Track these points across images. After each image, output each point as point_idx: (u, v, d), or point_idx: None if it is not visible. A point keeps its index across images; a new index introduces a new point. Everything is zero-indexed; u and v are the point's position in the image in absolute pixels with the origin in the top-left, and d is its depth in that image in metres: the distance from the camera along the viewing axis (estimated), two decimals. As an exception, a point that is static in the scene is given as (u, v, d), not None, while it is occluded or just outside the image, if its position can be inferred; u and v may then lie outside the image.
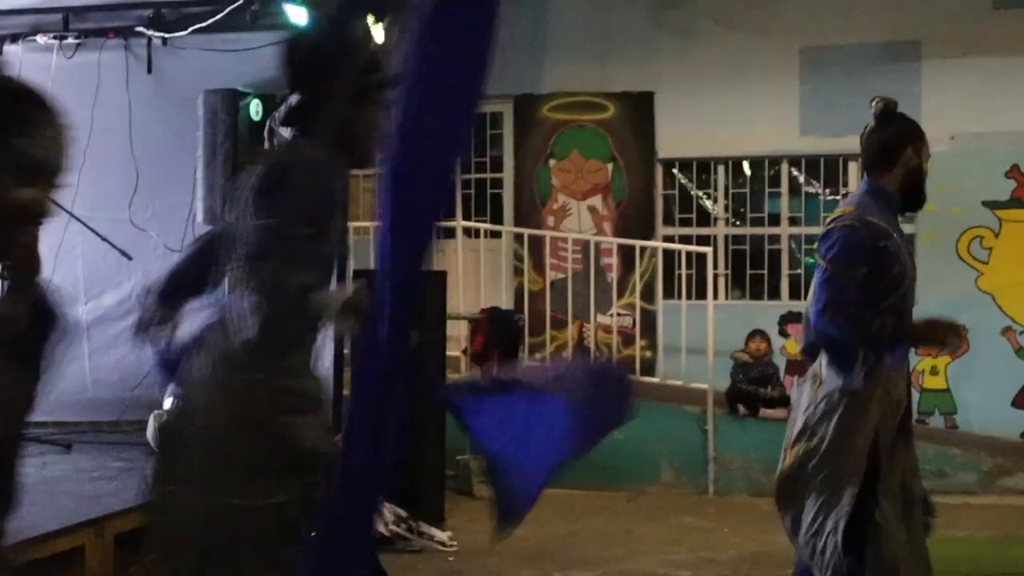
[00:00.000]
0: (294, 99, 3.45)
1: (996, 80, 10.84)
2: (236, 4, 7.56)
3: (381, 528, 7.06)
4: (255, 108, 7.62)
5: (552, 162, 12.07)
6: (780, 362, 10.86)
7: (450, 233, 11.08)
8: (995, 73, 10.88)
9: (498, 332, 9.88)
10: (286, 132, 6.25)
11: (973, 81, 10.92)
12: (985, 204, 10.91)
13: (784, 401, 10.00)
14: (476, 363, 9.88)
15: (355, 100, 3.16)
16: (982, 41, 10.93)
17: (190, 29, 7.78)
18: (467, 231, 11.25)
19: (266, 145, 7.14)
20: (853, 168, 11.28)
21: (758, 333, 10.57)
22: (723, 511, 8.90)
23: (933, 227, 10.92)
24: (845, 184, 11.54)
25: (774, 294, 11.81)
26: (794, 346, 10.86)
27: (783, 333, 11.06)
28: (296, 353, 3.20)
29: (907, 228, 10.29)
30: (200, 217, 7.90)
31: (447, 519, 7.82)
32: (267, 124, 7.01)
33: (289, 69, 3.46)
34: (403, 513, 7.34)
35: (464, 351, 10.06)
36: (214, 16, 7.63)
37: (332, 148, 3.14)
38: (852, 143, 10.91)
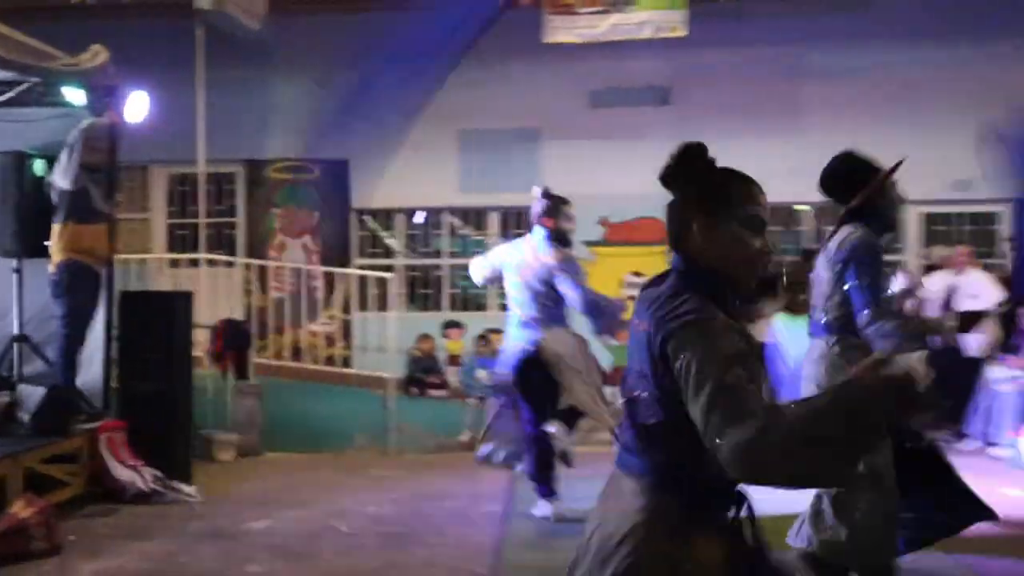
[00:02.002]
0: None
1: (591, 156, 11.39)
2: (24, 86, 7.43)
3: (142, 485, 7.13)
4: (39, 166, 7.58)
5: (274, 210, 12.28)
6: (442, 356, 11.18)
7: (196, 263, 11.00)
8: (592, 151, 11.45)
9: (232, 337, 9.88)
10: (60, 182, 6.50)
11: (576, 158, 11.39)
12: (584, 243, 11.25)
13: (444, 385, 10.71)
14: (215, 361, 9.73)
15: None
16: (583, 129, 11.52)
17: None
18: (209, 262, 11.08)
19: (53, 197, 7.46)
20: (494, 217, 12.24)
21: (426, 336, 11.00)
22: (401, 465, 8.98)
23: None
24: (488, 228, 12.19)
25: (437, 307, 12.28)
26: (453, 345, 11.35)
27: (445, 335, 11.36)
28: None
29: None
30: None
31: (193, 478, 7.63)
32: (46, 179, 7.59)
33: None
34: (159, 474, 7.29)
35: (207, 351, 9.82)
36: (5, 93, 7.47)
37: None
38: (496, 199, 12.31)
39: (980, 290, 9.71)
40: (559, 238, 6.57)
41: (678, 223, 2.36)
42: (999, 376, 9.15)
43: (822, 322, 4.51)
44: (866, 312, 4.26)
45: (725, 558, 2.30)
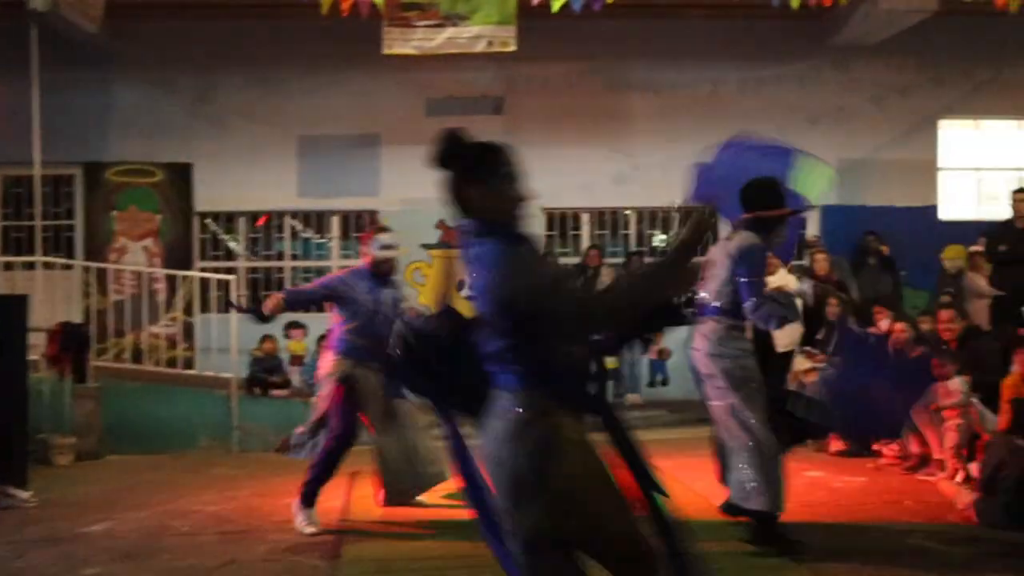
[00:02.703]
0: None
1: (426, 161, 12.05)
2: None
3: None
4: None
5: (114, 213, 11.94)
6: (284, 356, 10.99)
7: (32, 266, 10.56)
8: (425, 158, 12.17)
9: (69, 339, 9.47)
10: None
11: (415, 163, 11.94)
12: (422, 246, 11.73)
13: (287, 384, 10.48)
14: (52, 365, 9.35)
15: None
16: (419, 135, 11.63)
17: None
18: (46, 264, 10.71)
19: None
20: (335, 220, 12.09)
21: (268, 337, 10.61)
22: (244, 463, 8.84)
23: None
24: (330, 231, 12.11)
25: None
26: (295, 345, 11.12)
27: (287, 336, 11.10)
28: None
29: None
30: None
31: (30, 483, 7.36)
32: None
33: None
34: None
35: (43, 355, 9.42)
36: None
37: None
38: (334, 203, 12.20)
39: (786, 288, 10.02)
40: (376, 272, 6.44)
41: (458, 194, 2.92)
42: (805, 368, 9.43)
43: (715, 305, 5.34)
44: (752, 301, 5.15)
45: (585, 433, 2.92)
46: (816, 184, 5.70)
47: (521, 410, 2.81)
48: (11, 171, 11.62)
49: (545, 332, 2.79)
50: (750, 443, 5.22)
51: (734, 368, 5.26)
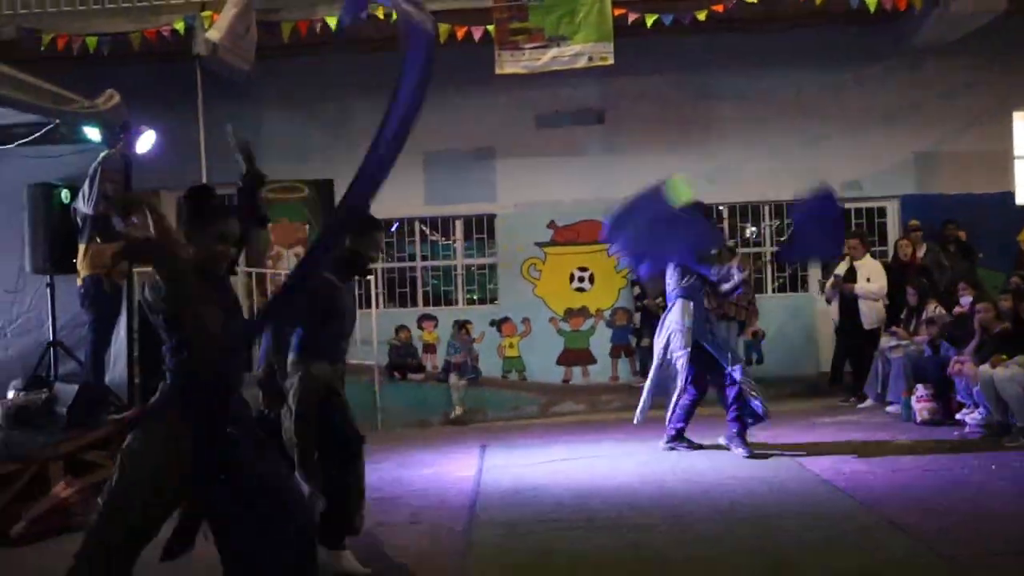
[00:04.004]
0: None
1: (539, 170, 11.61)
2: (49, 126, 7.43)
3: None
4: (64, 195, 7.63)
5: (270, 226, 11.91)
6: (419, 345, 11.34)
7: None
8: (538, 166, 11.62)
9: None
10: (83, 208, 6.80)
11: (526, 171, 11.62)
12: (537, 244, 11.86)
13: (421, 369, 10.80)
14: None
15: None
16: (530, 147, 11.62)
17: (16, 143, 7.60)
18: None
19: (77, 222, 7.48)
20: (459, 224, 12.21)
21: (403, 327, 11.04)
22: (386, 439, 8.90)
23: (505, 259, 11.94)
24: (454, 234, 12.21)
25: (414, 303, 12.11)
26: (427, 336, 11.45)
27: (420, 327, 11.52)
28: None
29: (489, 260, 11.83)
30: (28, 268, 7.74)
31: None
32: (71, 205, 7.63)
33: None
34: None
35: None
36: (33, 135, 7.50)
37: None
38: (457, 209, 12.39)
39: (872, 273, 9.88)
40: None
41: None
42: (890, 345, 9.32)
43: (677, 290, 7.17)
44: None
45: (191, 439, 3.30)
46: (681, 193, 6.48)
47: None
48: (184, 193, 12.10)
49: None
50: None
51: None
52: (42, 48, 10.36)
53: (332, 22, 10.26)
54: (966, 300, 8.62)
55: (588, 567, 4.80)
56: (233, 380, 3.52)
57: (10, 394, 7.49)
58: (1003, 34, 11.07)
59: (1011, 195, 11.98)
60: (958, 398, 8.18)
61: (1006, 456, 6.94)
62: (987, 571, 4.43)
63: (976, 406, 7.87)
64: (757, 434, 7.45)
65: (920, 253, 10.41)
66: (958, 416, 8.13)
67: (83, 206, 7.44)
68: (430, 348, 11.27)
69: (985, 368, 7.60)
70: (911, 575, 4.45)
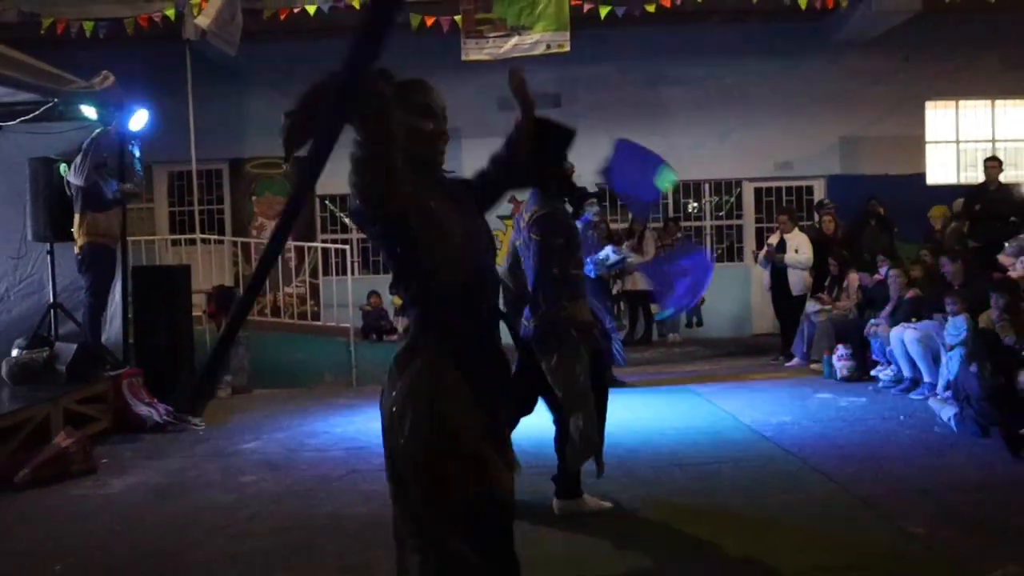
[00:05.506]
0: None
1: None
2: (49, 105, 7.18)
3: (157, 418, 7.11)
4: (63, 168, 7.44)
5: (254, 198, 12.19)
6: (390, 309, 11.05)
7: (192, 242, 10.88)
8: (500, 145, 12.13)
9: (223, 299, 9.74)
10: (74, 180, 6.62)
11: (490, 150, 11.37)
12: (499, 217, 11.48)
13: (394, 331, 10.49)
14: (210, 319, 9.55)
15: None
16: (494, 128, 11.00)
17: (18, 120, 7.38)
18: (203, 241, 11.01)
19: (69, 192, 7.32)
20: None
21: (374, 293, 10.72)
22: (361, 394, 8.79)
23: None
24: None
25: (386, 271, 12.59)
26: (398, 300, 11.57)
27: (391, 292, 11.63)
28: None
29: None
30: (30, 235, 7.60)
31: (199, 413, 7.46)
32: (65, 178, 7.51)
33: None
34: (171, 409, 7.28)
35: (203, 312, 9.65)
36: (34, 112, 7.24)
37: None
38: None
39: (799, 245, 9.98)
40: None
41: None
42: (815, 309, 9.44)
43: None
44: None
45: (471, 383, 2.36)
46: (664, 181, 6.03)
47: None
48: (174, 167, 11.89)
49: None
50: None
51: None
52: (42, 31, 10.18)
53: (311, 10, 10.19)
54: (884, 269, 8.75)
55: (543, 514, 4.76)
56: (492, 309, 2.51)
57: (14, 352, 7.41)
58: (919, 31, 11.24)
59: (923, 176, 12.24)
60: (873, 356, 8.32)
61: (912, 405, 7.11)
62: (894, 506, 4.52)
63: (889, 364, 8.01)
64: (697, 388, 7.49)
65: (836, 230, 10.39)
66: (873, 372, 8.27)
67: (74, 178, 7.33)
68: (402, 311, 11.13)
69: (897, 330, 7.73)
70: (829, 511, 4.54)
